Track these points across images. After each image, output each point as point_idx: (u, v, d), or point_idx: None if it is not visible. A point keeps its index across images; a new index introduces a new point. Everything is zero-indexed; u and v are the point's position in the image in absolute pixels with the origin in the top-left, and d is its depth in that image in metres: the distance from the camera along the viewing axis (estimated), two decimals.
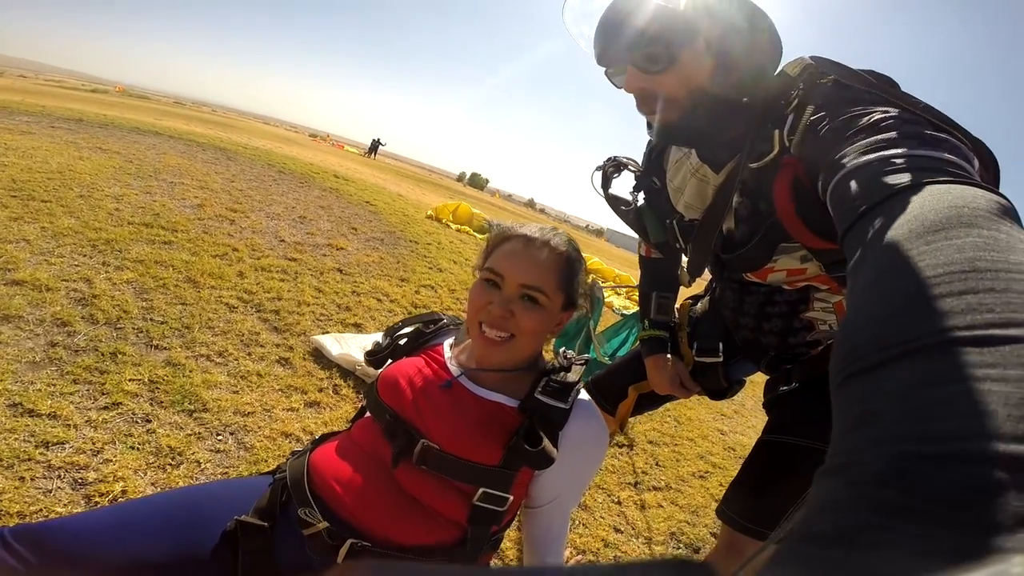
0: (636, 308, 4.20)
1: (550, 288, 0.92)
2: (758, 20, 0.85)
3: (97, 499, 1.41)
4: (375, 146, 35.24)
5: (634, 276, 4.10)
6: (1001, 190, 0.46)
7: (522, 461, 0.86)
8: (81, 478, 1.45)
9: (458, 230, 6.68)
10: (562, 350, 1.10)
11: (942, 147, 0.53)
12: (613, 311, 5.82)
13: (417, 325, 1.14)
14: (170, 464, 1.61)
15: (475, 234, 6.71)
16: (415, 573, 0.20)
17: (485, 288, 0.94)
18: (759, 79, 0.86)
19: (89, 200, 3.49)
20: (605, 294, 6.13)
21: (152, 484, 1.52)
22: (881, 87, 0.68)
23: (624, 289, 6.16)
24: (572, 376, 0.97)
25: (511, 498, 0.88)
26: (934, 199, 0.43)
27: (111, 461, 1.54)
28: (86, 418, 1.67)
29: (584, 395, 0.97)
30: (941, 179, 0.46)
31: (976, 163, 0.56)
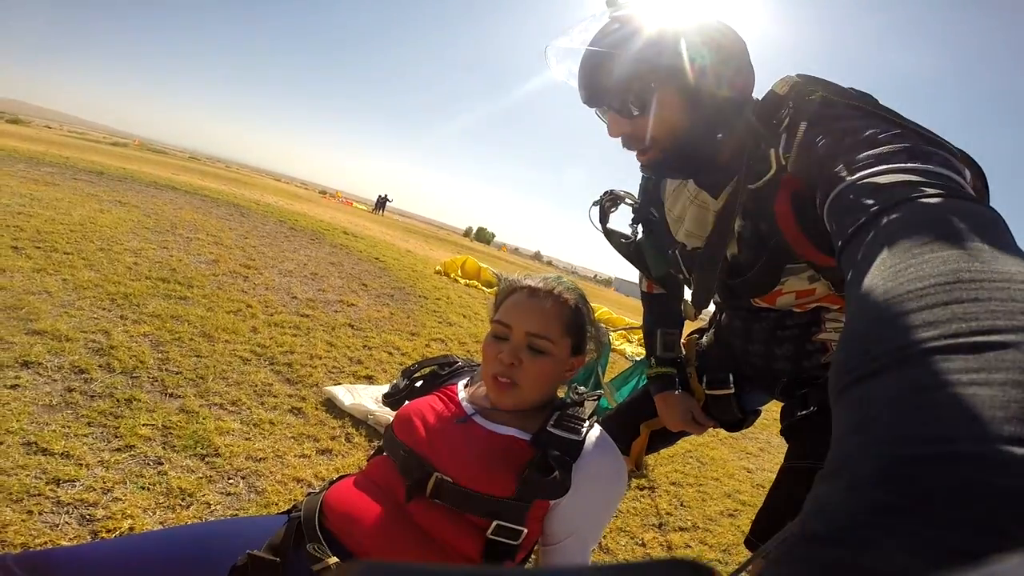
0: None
1: (556, 335, 0.96)
2: (726, 48, 0.86)
3: (104, 535, 1.38)
4: (382, 202, 35.08)
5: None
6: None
7: (535, 492, 0.85)
8: (89, 514, 1.43)
9: (466, 284, 6.72)
10: (574, 386, 1.10)
11: (933, 160, 0.54)
12: (626, 357, 5.76)
13: (432, 367, 1.16)
14: (180, 504, 1.58)
15: (483, 288, 6.75)
16: (413, 573, 0.20)
17: (495, 341, 0.97)
18: (738, 104, 0.87)
19: (109, 253, 3.59)
20: (616, 341, 6.06)
21: (160, 523, 1.48)
22: (867, 102, 0.70)
23: (635, 335, 6.10)
24: (585, 411, 0.98)
25: (525, 531, 0.86)
26: (922, 213, 0.45)
27: (120, 500, 1.51)
28: (98, 458, 1.65)
29: (597, 429, 0.97)
30: (930, 192, 0.47)
31: (968, 174, 0.56)
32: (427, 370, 1.15)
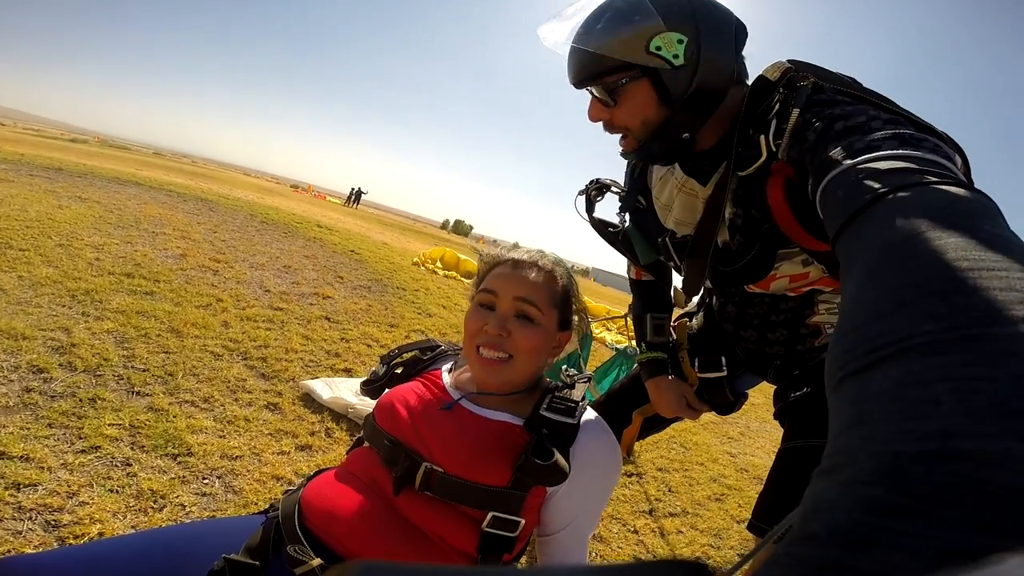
0: (627, 343, 4.16)
1: (543, 303, 0.92)
2: (708, 40, 0.85)
3: (71, 541, 1.29)
4: (357, 195, 33.84)
5: (620, 309, 4.11)
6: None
7: (533, 479, 0.80)
8: (55, 520, 1.34)
9: (445, 276, 6.64)
10: (564, 367, 1.06)
11: (923, 147, 0.54)
12: (606, 346, 5.81)
13: (414, 352, 1.10)
14: (152, 507, 1.50)
15: (463, 279, 6.69)
16: (411, 573, 0.19)
17: (480, 311, 0.93)
18: (709, 100, 0.89)
19: (68, 249, 3.42)
20: (596, 329, 6.08)
21: (132, 527, 1.40)
22: (857, 87, 0.71)
23: (615, 324, 6.13)
24: (576, 393, 0.95)
25: (523, 522, 0.81)
26: (917, 201, 0.44)
27: (88, 503, 1.42)
28: (61, 461, 1.56)
29: (590, 411, 0.93)
30: (924, 180, 0.47)
31: (959, 160, 0.57)
32: (408, 355, 1.09)
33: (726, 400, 1.27)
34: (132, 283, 3.18)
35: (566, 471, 0.80)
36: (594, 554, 1.90)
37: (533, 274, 0.93)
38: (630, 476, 2.63)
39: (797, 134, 0.73)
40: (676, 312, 1.40)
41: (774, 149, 0.78)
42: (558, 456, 0.80)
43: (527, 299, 0.90)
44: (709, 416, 4.09)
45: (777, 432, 1.20)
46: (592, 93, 0.92)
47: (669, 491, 2.61)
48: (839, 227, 0.49)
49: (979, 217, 0.40)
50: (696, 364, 1.28)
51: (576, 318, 1.01)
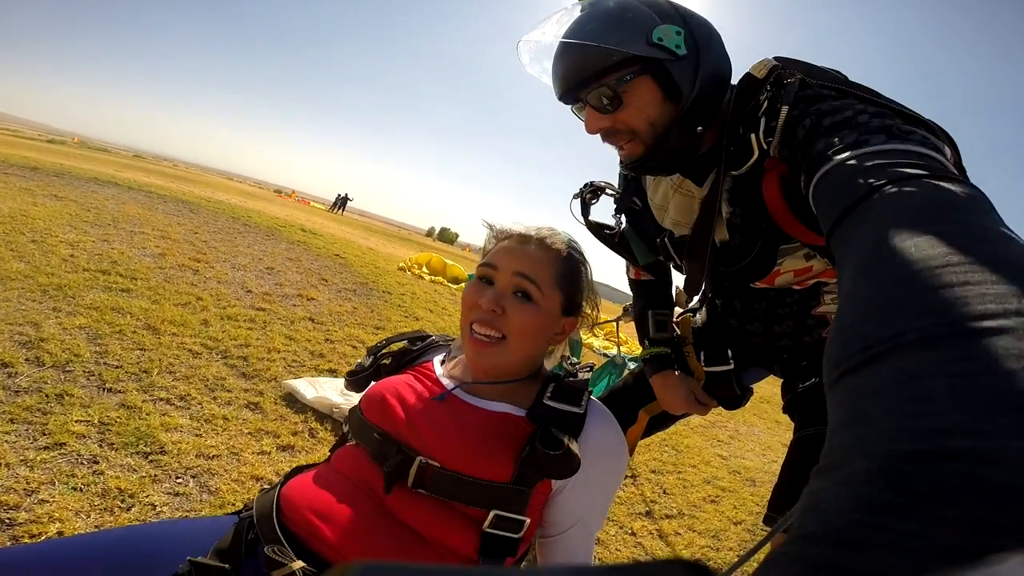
0: (615, 349, 4.11)
1: (545, 283, 0.85)
2: (701, 36, 0.84)
3: (27, 540, 1.19)
4: (343, 201, 32.92)
5: (607, 316, 4.09)
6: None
7: (541, 472, 0.74)
8: (9, 518, 1.24)
9: (432, 281, 6.56)
10: (566, 356, 1.00)
11: (911, 139, 0.54)
12: (593, 351, 5.80)
13: (403, 342, 1.03)
14: (119, 507, 1.40)
15: (449, 284, 6.61)
16: (410, 572, 0.18)
17: (478, 285, 0.87)
18: (716, 93, 0.86)
19: (42, 246, 3.29)
20: (583, 336, 6.07)
21: (96, 527, 1.31)
22: (846, 82, 0.71)
23: (602, 330, 6.13)
24: (580, 381, 0.88)
25: (527, 521, 0.74)
26: (906, 195, 0.44)
27: (48, 502, 1.32)
28: (21, 457, 1.45)
29: (595, 400, 0.87)
30: (913, 174, 0.47)
31: (948, 152, 0.56)
32: (396, 346, 1.01)
33: (733, 394, 1.25)
34: (108, 280, 3.06)
35: (578, 461, 0.73)
36: (592, 557, 1.82)
37: (539, 251, 0.87)
38: (625, 478, 2.56)
39: (787, 131, 0.73)
40: (677, 310, 1.38)
41: (765, 147, 0.78)
42: (569, 444, 0.73)
43: (527, 275, 0.83)
44: (698, 420, 4.10)
45: (767, 435, 1.17)
46: (588, 102, 0.87)
47: (664, 493, 2.57)
48: (831, 224, 0.50)
49: (970, 210, 0.40)
50: (702, 358, 1.26)
51: (585, 304, 0.93)
